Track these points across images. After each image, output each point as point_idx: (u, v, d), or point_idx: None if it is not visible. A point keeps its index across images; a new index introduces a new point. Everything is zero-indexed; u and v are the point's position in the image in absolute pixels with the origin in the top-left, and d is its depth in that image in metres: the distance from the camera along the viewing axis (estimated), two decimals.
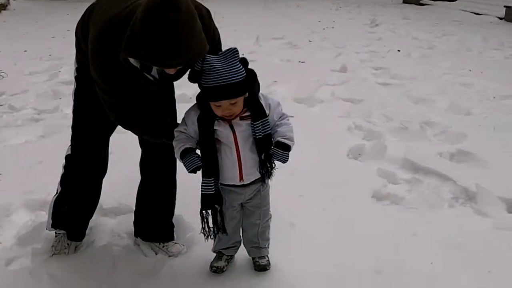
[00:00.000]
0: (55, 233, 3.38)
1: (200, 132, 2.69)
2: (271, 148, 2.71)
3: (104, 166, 3.34)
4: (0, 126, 5.68)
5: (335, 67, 8.08)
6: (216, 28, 2.90)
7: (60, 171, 3.30)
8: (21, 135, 5.43)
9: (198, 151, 2.73)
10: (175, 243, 3.37)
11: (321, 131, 5.26)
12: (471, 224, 3.67)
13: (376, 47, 9.76)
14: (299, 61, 8.60)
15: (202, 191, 2.77)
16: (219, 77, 2.49)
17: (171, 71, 2.59)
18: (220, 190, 2.81)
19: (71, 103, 3.17)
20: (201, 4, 2.71)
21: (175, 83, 3.02)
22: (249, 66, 2.62)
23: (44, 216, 3.66)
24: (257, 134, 2.68)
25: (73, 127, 3.17)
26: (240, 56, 2.58)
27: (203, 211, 2.84)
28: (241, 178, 2.78)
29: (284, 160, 2.70)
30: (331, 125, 5.51)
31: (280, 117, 2.78)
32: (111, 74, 2.63)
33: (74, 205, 3.28)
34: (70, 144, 3.22)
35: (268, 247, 3.13)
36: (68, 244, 3.33)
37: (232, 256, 3.19)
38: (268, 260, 3.11)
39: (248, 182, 2.83)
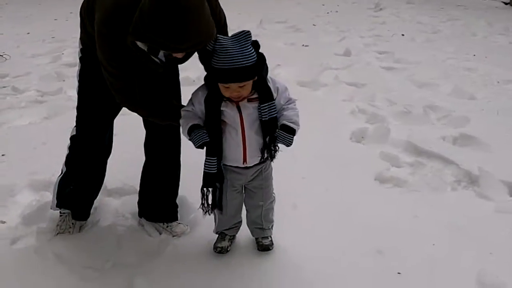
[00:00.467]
0: (60, 212, 3.40)
1: (206, 112, 2.70)
2: (276, 131, 2.71)
3: (109, 147, 3.35)
4: (3, 108, 5.69)
5: (339, 51, 8.06)
6: (222, 10, 2.90)
7: (64, 152, 3.32)
8: (25, 117, 5.45)
9: None
10: (179, 223, 3.39)
11: (325, 114, 5.26)
12: (474, 207, 3.69)
13: (380, 31, 9.72)
14: (303, 45, 8.57)
15: (204, 169, 2.80)
16: (231, 60, 2.49)
17: (179, 55, 2.60)
18: (222, 169, 2.83)
19: (76, 84, 3.18)
20: None
21: (179, 65, 3.04)
22: None
23: (49, 196, 3.68)
24: (263, 117, 2.69)
25: (78, 108, 3.18)
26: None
27: (204, 189, 2.87)
28: (244, 160, 2.80)
29: (288, 143, 2.72)
30: (335, 109, 5.50)
31: (287, 101, 2.79)
32: (118, 56, 2.63)
33: (78, 185, 3.30)
34: (75, 125, 3.23)
35: (271, 228, 3.16)
36: (72, 224, 3.36)
37: (234, 236, 3.22)
38: (271, 240, 3.14)
39: (252, 164, 2.85)
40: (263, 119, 2.70)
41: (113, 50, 2.62)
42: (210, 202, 2.92)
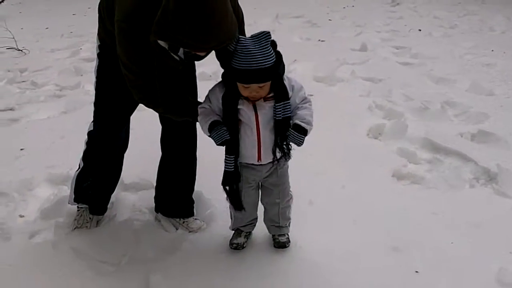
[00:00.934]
0: (77, 207, 3.43)
1: (224, 110, 2.72)
2: (288, 130, 2.72)
3: (126, 141, 3.36)
4: (23, 102, 5.75)
5: (355, 46, 8.00)
6: (240, 7, 2.89)
7: (82, 146, 3.32)
8: (44, 111, 5.52)
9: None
10: (195, 219, 3.40)
11: (341, 110, 5.24)
12: (492, 204, 3.66)
13: (396, 26, 9.64)
14: (319, 40, 8.53)
15: (225, 167, 2.82)
16: (252, 61, 2.51)
17: (202, 53, 2.62)
18: (238, 168, 2.84)
19: (93, 79, 3.19)
20: None
21: (196, 62, 3.04)
22: None
23: (66, 190, 3.72)
24: (277, 116, 2.70)
25: (95, 104, 3.19)
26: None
27: (225, 186, 2.89)
28: (259, 158, 2.82)
29: (299, 143, 2.72)
30: (351, 104, 5.47)
31: (303, 100, 2.78)
32: (138, 53, 2.62)
33: (96, 180, 3.31)
34: (92, 120, 3.24)
35: (288, 225, 3.15)
36: (90, 218, 3.38)
37: (250, 232, 3.23)
38: (288, 238, 3.14)
39: (266, 162, 2.86)
40: (277, 118, 2.70)
41: (133, 47, 2.61)
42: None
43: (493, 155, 4.23)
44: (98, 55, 3.10)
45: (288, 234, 3.16)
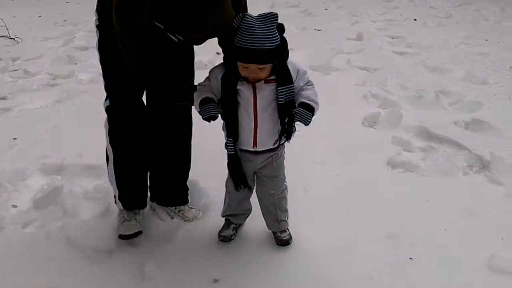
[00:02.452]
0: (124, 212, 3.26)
1: (222, 89, 2.66)
2: (294, 109, 2.63)
3: (145, 113, 3.15)
4: (15, 91, 5.73)
5: (351, 35, 8.00)
6: None
7: (103, 132, 3.15)
8: (36, 100, 5.49)
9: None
10: (191, 208, 3.38)
11: (337, 99, 5.21)
12: (485, 192, 3.67)
13: (392, 15, 9.66)
14: (315, 29, 8.53)
15: (228, 150, 2.79)
16: (254, 40, 2.44)
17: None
18: (238, 151, 2.80)
19: (97, 55, 3.05)
20: None
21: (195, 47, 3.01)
22: None
23: (60, 180, 3.72)
24: (279, 100, 2.63)
25: (104, 78, 3.06)
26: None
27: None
28: (254, 144, 2.76)
29: (307, 121, 2.60)
30: (347, 93, 5.47)
31: (306, 83, 2.73)
32: (134, 30, 2.57)
33: (133, 158, 3.15)
34: (106, 96, 3.08)
35: (287, 219, 3.10)
36: (135, 219, 3.21)
37: (240, 225, 3.20)
38: (290, 234, 3.09)
39: (261, 149, 2.81)
40: (279, 102, 2.63)
41: (129, 24, 2.55)
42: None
43: (487, 143, 4.25)
44: (98, 27, 2.97)
45: (288, 229, 3.10)
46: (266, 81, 2.62)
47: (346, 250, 3.03)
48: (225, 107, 2.67)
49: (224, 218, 3.17)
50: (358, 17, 9.40)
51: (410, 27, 8.71)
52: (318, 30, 8.50)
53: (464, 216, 3.35)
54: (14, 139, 4.48)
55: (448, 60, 6.72)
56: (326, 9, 10.30)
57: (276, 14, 2.48)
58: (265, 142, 2.77)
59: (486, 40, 7.89)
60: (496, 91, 5.57)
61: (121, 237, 3.13)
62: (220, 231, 3.13)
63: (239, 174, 2.87)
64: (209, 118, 2.62)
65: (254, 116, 2.68)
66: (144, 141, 3.17)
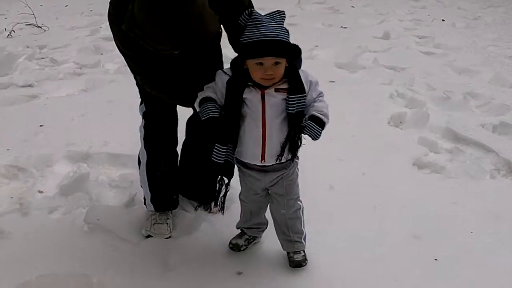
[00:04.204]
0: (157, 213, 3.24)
1: (227, 95, 2.49)
2: (303, 121, 2.49)
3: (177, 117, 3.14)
4: (42, 79, 5.77)
5: (377, 34, 7.95)
6: None
7: (138, 137, 3.16)
8: (63, 88, 5.53)
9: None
10: None
11: (363, 97, 5.19)
12: None
13: (420, 15, 9.57)
14: (341, 27, 8.48)
15: (212, 157, 2.59)
16: (266, 32, 2.32)
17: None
18: (231, 162, 2.64)
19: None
20: None
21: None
22: (290, 31, 2.47)
23: (86, 168, 3.75)
24: (290, 109, 2.45)
25: (137, 84, 2.99)
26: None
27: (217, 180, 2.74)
28: (263, 158, 2.55)
29: (316, 136, 2.46)
30: (373, 92, 5.42)
31: (319, 94, 2.55)
32: (127, 37, 2.46)
33: (167, 162, 3.15)
34: (140, 102, 3.06)
35: (303, 240, 2.86)
36: (167, 223, 3.19)
37: (254, 238, 3.02)
38: (304, 256, 2.85)
39: (270, 164, 2.59)
40: (290, 111, 2.45)
41: (121, 31, 2.43)
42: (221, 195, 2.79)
43: None
44: None
45: (304, 251, 2.86)
46: (277, 89, 2.46)
47: (370, 248, 3.01)
48: (227, 113, 2.50)
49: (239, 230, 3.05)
50: (385, 16, 9.33)
51: (438, 28, 8.63)
52: (345, 27, 8.44)
53: (490, 220, 3.32)
54: (41, 126, 4.51)
55: (477, 62, 6.65)
56: (353, 6, 10.24)
57: (283, 11, 2.39)
58: (275, 156, 2.55)
59: None
60: None
61: (149, 237, 3.13)
62: (232, 238, 3.01)
63: (220, 190, 2.75)
64: (208, 120, 2.48)
65: (262, 126, 2.49)
66: (176, 144, 3.18)
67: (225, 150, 2.56)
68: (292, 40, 2.42)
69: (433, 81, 5.75)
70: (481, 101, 5.26)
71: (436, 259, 2.94)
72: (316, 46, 6.87)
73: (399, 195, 3.53)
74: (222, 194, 2.78)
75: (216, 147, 2.56)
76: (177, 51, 2.35)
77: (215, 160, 2.58)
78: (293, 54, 2.42)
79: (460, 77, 6.07)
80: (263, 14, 2.42)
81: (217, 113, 2.48)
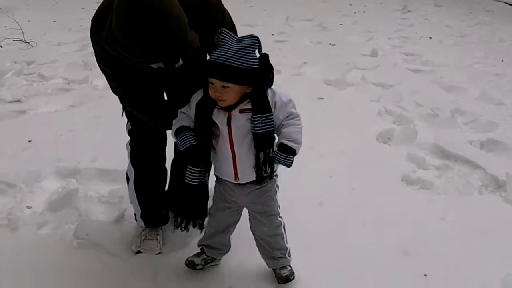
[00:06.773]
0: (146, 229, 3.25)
1: (196, 117, 2.51)
2: (272, 151, 2.47)
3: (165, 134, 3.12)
4: (30, 94, 5.74)
5: (365, 51, 7.99)
6: (226, 14, 2.71)
7: (125, 154, 3.15)
8: (51, 104, 5.51)
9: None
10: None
11: (351, 114, 5.22)
12: (500, 212, 3.66)
13: (407, 33, 9.62)
14: (330, 44, 8.52)
15: (185, 179, 2.59)
16: (223, 55, 2.29)
17: (154, 66, 2.38)
18: (205, 183, 2.63)
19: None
20: None
21: None
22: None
23: (74, 183, 3.72)
24: (256, 129, 2.42)
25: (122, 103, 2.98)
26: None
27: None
28: (236, 177, 2.57)
29: (287, 164, 2.46)
30: (361, 109, 5.44)
31: (288, 116, 2.49)
32: (107, 58, 2.48)
33: (154, 178, 3.15)
34: (127, 119, 3.05)
35: (287, 256, 2.86)
36: (157, 239, 3.20)
37: (213, 259, 2.97)
38: (291, 270, 2.84)
39: (245, 182, 2.60)
40: (256, 131, 2.42)
41: (102, 48, 2.39)
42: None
43: (502, 164, 4.24)
44: None
45: (290, 266, 2.85)
46: (241, 110, 2.44)
47: (359, 264, 3.02)
48: (197, 135, 2.50)
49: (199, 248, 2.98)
50: (373, 33, 9.38)
51: (425, 45, 8.68)
52: (333, 45, 8.47)
53: (478, 235, 3.33)
54: (29, 141, 4.50)
55: (464, 79, 6.68)
56: (341, 24, 10.28)
57: (257, 37, 2.36)
58: (248, 174, 2.56)
59: (502, 60, 7.85)
60: None
61: (139, 253, 3.13)
62: (190, 255, 2.96)
63: (200, 207, 2.68)
64: (187, 149, 2.49)
65: (231, 148, 2.49)
66: (165, 160, 3.19)
67: (198, 172, 2.56)
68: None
69: (420, 98, 5.78)
70: (469, 118, 5.29)
71: (425, 275, 2.95)
72: (305, 63, 6.88)
73: (388, 211, 3.54)
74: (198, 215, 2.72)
75: (188, 169, 2.56)
76: (154, 63, 2.33)
77: (189, 182, 2.57)
78: (247, 80, 2.36)
79: (447, 94, 6.10)
80: (244, 35, 2.39)
81: (193, 140, 2.48)
